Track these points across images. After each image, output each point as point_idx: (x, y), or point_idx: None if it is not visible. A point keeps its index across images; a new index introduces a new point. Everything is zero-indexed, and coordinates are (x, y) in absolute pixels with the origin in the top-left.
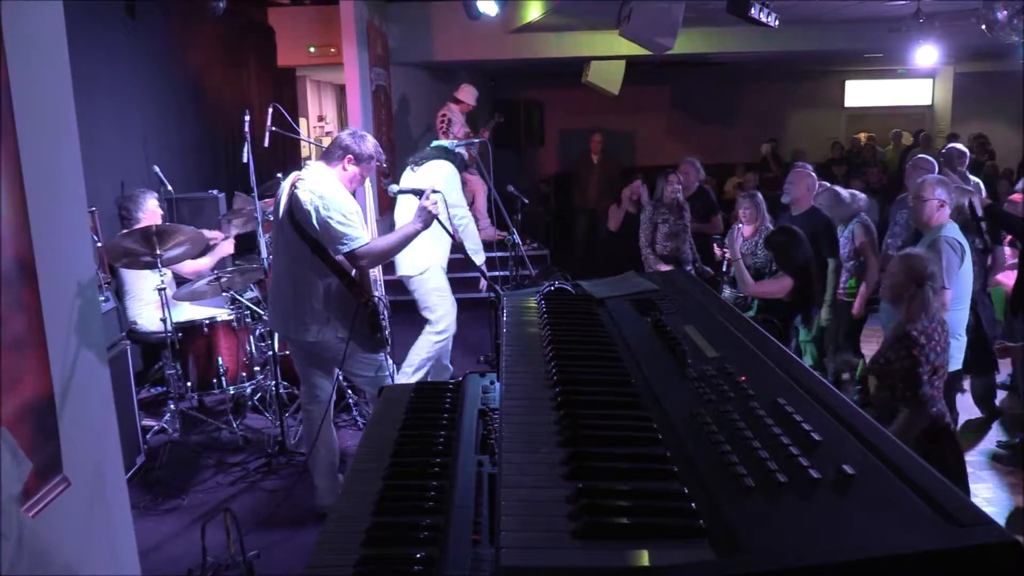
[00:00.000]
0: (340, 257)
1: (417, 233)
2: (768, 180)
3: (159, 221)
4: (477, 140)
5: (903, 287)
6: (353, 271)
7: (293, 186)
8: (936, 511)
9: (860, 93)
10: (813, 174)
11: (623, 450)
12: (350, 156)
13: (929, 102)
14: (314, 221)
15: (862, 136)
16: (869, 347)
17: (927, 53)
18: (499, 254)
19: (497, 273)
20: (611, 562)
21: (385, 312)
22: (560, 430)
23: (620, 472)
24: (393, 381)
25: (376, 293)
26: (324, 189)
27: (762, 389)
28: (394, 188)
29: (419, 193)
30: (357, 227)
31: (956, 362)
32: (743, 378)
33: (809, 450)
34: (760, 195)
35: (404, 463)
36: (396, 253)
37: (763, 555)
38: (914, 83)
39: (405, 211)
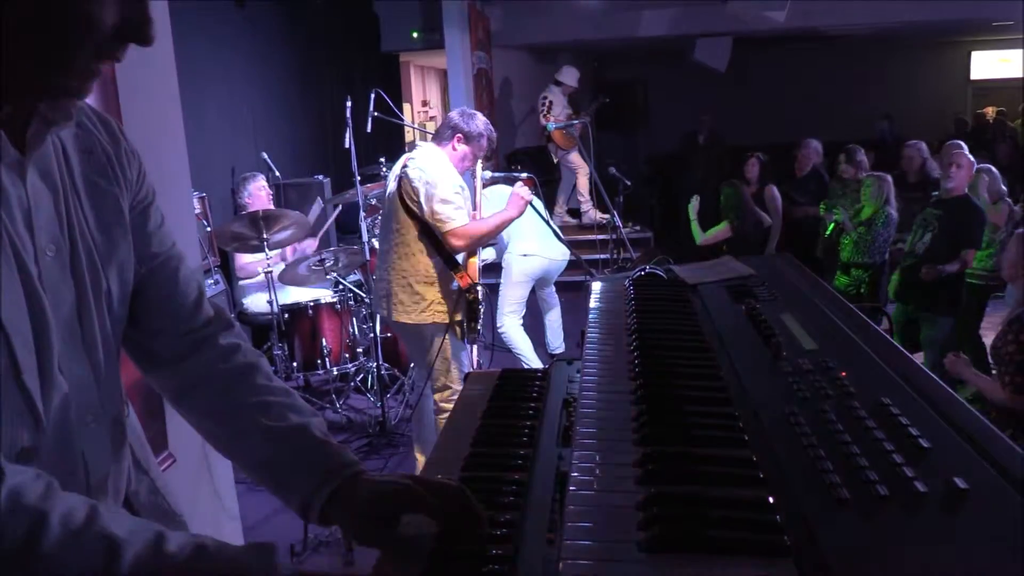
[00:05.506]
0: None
1: (512, 219)
2: (886, 160)
3: (265, 202)
4: (578, 121)
5: (1018, 263)
6: (460, 256)
7: (404, 166)
8: None
9: (988, 65)
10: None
11: (704, 451)
12: (459, 135)
13: None
14: (422, 199)
15: (989, 111)
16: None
17: None
18: (600, 237)
19: (598, 256)
20: None
21: (482, 306)
22: (637, 427)
23: (699, 476)
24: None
25: (479, 281)
26: (432, 168)
27: (864, 387)
28: (487, 174)
29: (512, 180)
30: (460, 207)
31: None
32: (843, 374)
33: (916, 459)
34: (889, 177)
35: (483, 454)
36: (491, 238)
37: None
38: None
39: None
